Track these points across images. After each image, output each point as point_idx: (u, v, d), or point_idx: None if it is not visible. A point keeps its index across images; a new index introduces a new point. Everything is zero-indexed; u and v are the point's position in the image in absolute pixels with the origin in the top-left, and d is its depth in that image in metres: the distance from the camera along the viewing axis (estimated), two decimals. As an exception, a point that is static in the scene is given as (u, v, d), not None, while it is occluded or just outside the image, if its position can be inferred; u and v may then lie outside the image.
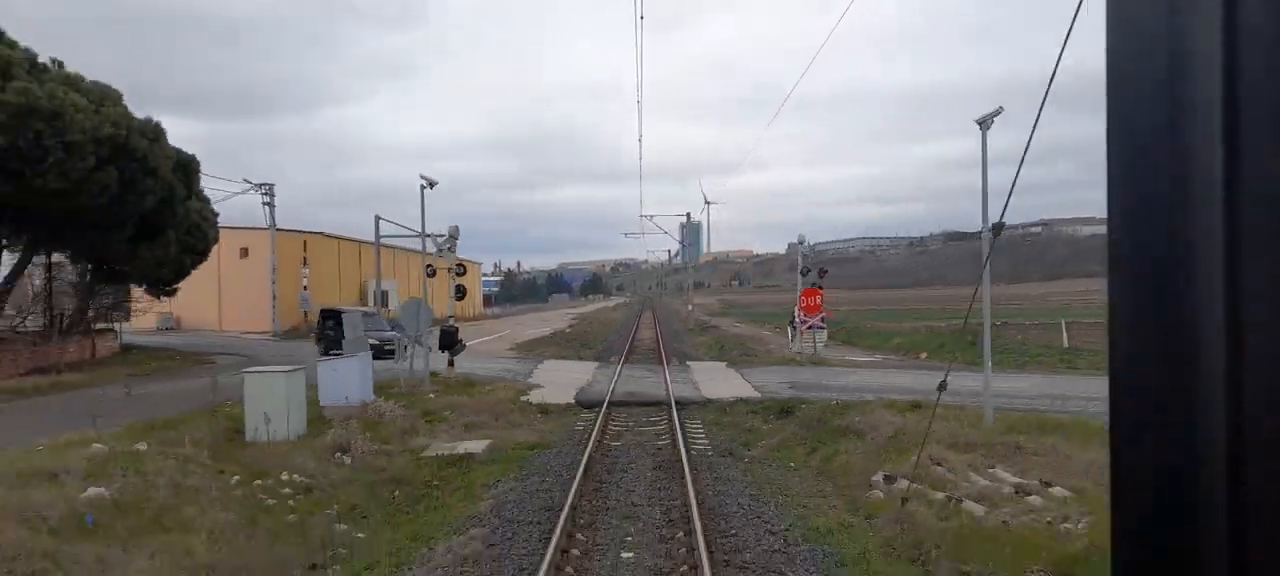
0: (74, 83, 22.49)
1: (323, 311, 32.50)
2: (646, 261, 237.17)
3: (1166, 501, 0.76)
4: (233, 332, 47.74)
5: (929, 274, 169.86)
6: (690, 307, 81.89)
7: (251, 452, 13.75)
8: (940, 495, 10.60)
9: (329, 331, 29.67)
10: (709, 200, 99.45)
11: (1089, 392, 18.67)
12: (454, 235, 21.98)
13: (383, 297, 47.10)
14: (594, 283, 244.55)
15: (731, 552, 9.32)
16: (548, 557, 8.74)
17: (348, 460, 13.91)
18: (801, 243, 30.65)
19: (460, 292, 23.19)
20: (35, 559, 8.36)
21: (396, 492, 12.62)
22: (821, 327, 28.08)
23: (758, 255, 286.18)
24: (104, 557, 8.80)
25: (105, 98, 22.88)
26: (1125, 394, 0.80)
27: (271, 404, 14.52)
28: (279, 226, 44.84)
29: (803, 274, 28.23)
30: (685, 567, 8.80)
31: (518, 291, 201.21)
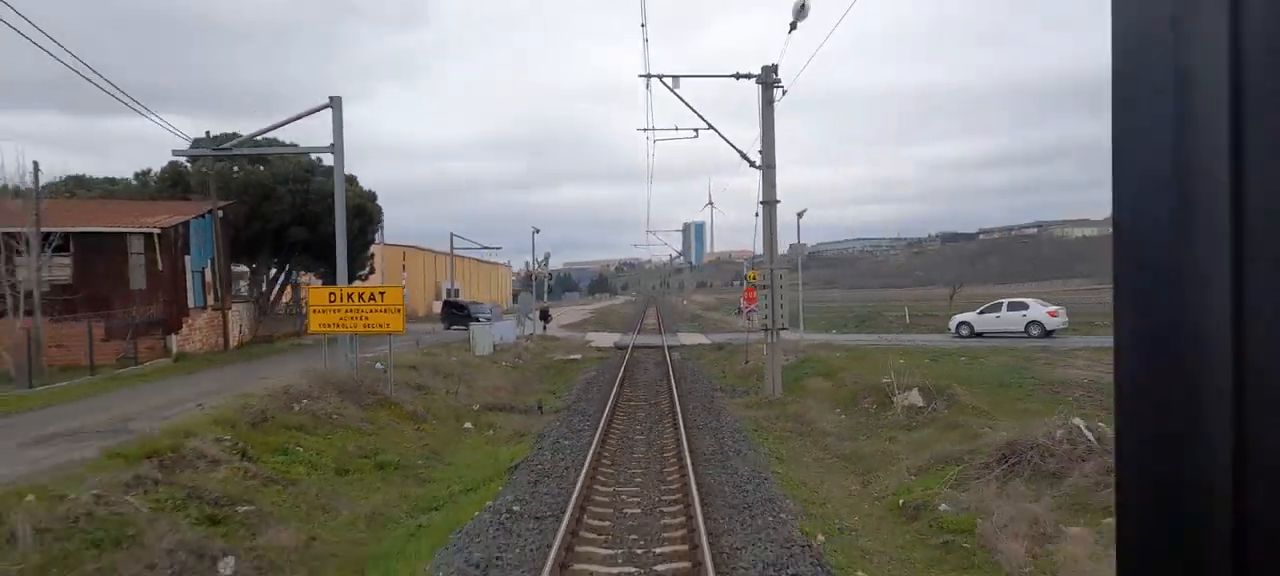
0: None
1: (446, 303, 50.72)
2: (650, 261, 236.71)
3: (1169, 508, 0.77)
4: (349, 320, 65.59)
5: (924, 274, 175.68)
6: (685, 303, 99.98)
7: (479, 358, 31.66)
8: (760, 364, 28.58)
9: (450, 314, 48.05)
10: (711, 202, 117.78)
11: (878, 341, 36.62)
12: (547, 257, 40.24)
13: (455, 293, 65.24)
14: (600, 282, 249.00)
15: (681, 377, 27.38)
16: (619, 377, 26.68)
17: (521, 361, 31.96)
18: (743, 265, 48.77)
19: (552, 289, 41.24)
20: (457, 374, 26.30)
21: (549, 370, 30.70)
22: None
23: (759, 255, 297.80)
24: (472, 375, 26.79)
25: (353, 180, 40.99)
26: (1129, 400, 0.81)
27: (485, 338, 32.50)
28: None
29: (746, 279, 46.46)
30: (663, 378, 26.88)
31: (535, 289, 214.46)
